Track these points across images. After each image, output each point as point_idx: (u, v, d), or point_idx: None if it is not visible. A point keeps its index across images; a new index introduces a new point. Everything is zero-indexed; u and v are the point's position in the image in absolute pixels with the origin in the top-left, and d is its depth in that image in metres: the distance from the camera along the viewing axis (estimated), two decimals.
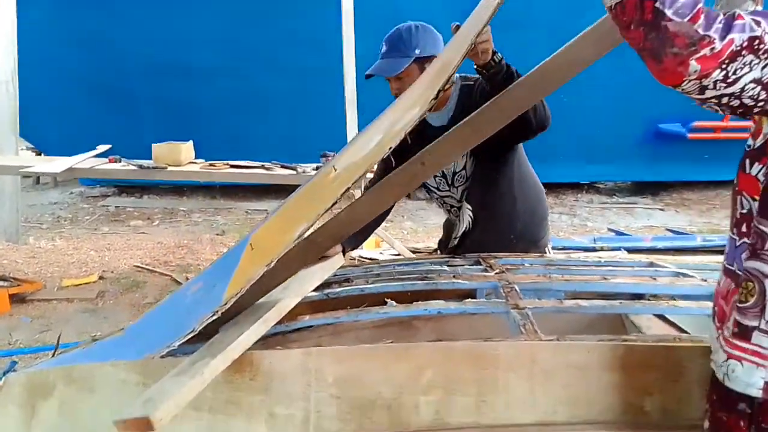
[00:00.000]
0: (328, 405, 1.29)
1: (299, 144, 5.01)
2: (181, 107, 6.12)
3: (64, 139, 4.97)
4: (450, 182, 1.98)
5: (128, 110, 6.09)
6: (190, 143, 3.63)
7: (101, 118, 6.08)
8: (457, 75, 1.92)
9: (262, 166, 3.53)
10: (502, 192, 1.96)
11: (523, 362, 1.26)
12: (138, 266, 4.56)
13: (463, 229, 2.03)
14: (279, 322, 1.52)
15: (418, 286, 1.67)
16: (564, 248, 4.02)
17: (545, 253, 2.09)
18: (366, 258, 4.51)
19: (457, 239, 2.07)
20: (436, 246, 2.47)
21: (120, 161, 3.56)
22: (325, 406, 1.29)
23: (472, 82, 1.89)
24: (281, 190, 5.83)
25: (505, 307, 1.46)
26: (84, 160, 3.52)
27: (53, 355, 1.84)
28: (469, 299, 1.58)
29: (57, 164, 3.44)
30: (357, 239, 1.99)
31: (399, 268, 1.89)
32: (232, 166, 3.47)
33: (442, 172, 1.96)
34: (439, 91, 1.28)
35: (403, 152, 1.90)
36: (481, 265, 1.86)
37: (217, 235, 5.85)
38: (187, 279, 4.12)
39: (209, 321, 1.38)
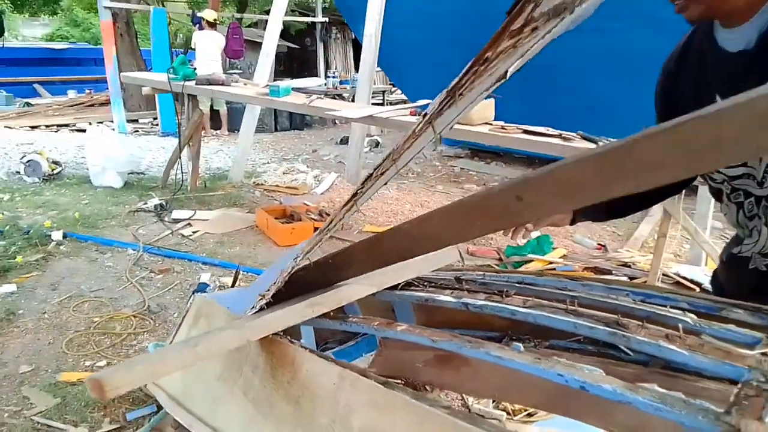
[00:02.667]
0: None
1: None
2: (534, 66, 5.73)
3: (429, 88, 5.08)
4: None
5: None
6: (490, 102, 3.29)
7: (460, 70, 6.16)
8: None
9: (560, 135, 2.95)
10: None
11: None
12: None
13: None
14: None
15: (598, 333, 1.02)
16: None
17: None
18: (687, 279, 3.40)
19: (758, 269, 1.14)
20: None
21: (417, 114, 3.47)
22: None
23: None
24: None
25: None
26: (387, 111, 3.56)
27: (232, 286, 1.85)
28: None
29: (360, 111, 3.57)
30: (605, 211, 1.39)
31: (596, 294, 1.20)
32: (525, 132, 3.00)
33: None
34: None
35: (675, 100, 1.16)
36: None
37: None
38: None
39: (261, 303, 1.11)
